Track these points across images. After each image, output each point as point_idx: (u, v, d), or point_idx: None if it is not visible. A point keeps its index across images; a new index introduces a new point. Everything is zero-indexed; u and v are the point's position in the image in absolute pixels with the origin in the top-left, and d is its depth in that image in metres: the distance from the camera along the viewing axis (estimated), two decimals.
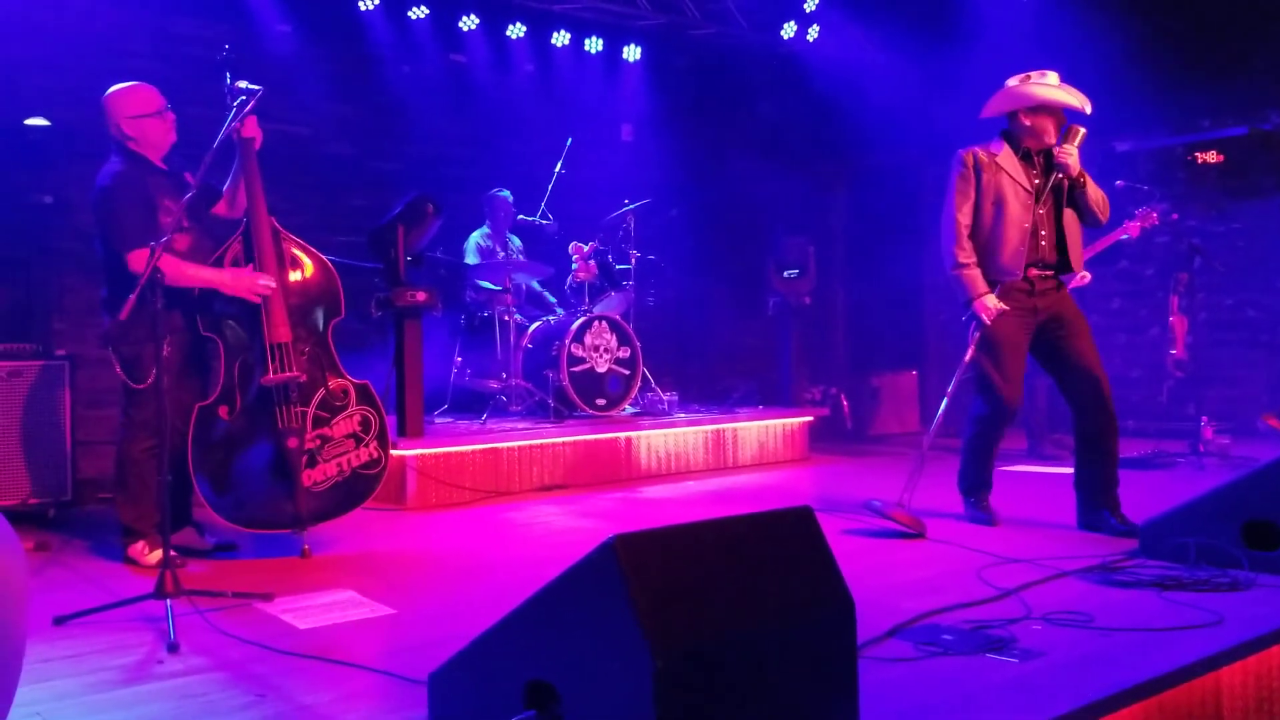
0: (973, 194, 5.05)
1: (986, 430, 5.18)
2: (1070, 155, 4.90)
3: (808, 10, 9.44)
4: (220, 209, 4.94)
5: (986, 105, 5.13)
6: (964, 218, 5.06)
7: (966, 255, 5.04)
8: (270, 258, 4.71)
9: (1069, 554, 4.34)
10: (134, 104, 4.63)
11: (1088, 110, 4.97)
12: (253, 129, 4.76)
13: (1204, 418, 6.98)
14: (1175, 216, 7.13)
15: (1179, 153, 8.82)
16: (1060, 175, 4.95)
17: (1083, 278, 7.29)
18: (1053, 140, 5.00)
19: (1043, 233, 5.01)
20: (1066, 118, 5.00)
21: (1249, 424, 7.88)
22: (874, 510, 4.97)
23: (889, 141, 10.10)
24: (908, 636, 3.24)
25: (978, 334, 5.00)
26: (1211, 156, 8.65)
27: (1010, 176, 5.01)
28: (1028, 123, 5.01)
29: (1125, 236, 7.20)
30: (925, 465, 5.12)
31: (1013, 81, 5.07)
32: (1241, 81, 8.36)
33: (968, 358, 5.04)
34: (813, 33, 9.54)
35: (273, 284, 4.64)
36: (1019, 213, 4.98)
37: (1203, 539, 4.01)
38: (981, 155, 5.07)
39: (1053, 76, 5.00)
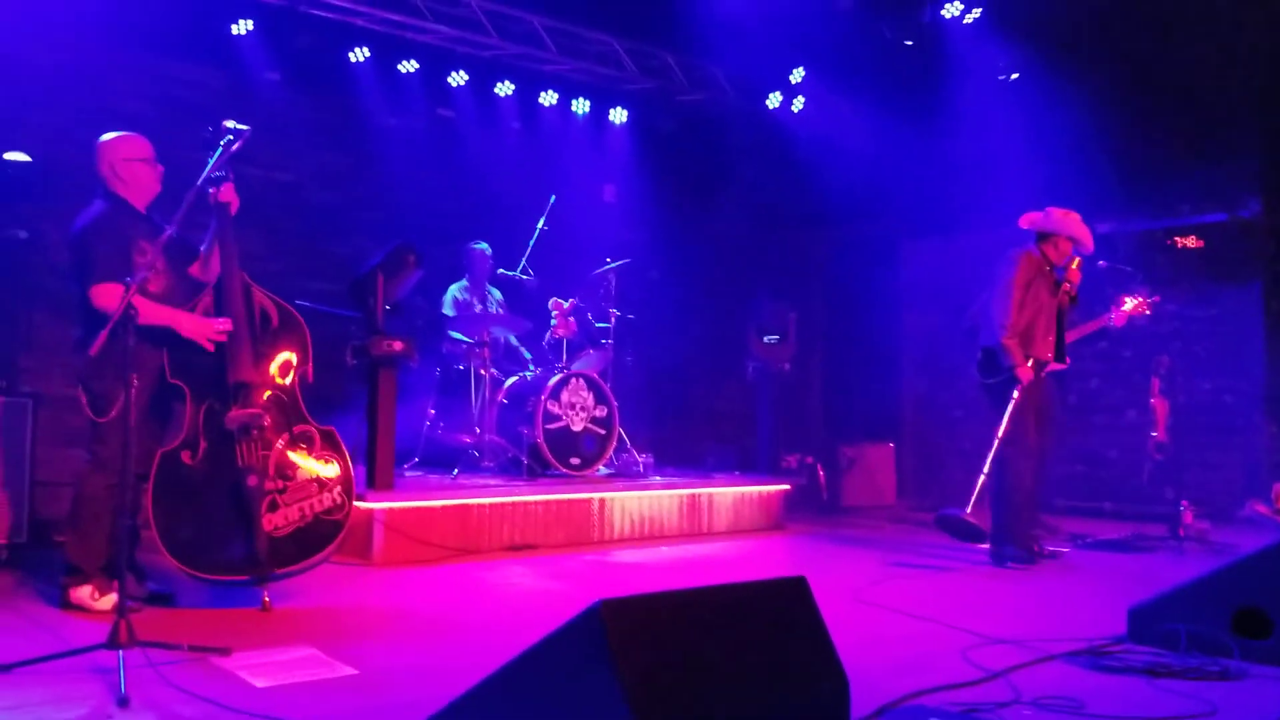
0: (1023, 285, 6.13)
1: (1026, 482, 6.09)
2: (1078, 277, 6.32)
3: (793, 81, 9.52)
4: (195, 270, 4.88)
5: (1031, 219, 6.30)
6: (1015, 300, 6.11)
7: (1015, 329, 6.10)
8: (239, 311, 4.67)
9: (1054, 635, 4.24)
10: (129, 148, 4.73)
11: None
12: (229, 194, 4.72)
13: (1184, 502, 6.92)
14: (1156, 299, 7.10)
15: (1159, 237, 8.85)
16: (1069, 288, 6.27)
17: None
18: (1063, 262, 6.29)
19: (1053, 328, 6.24)
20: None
21: (1227, 509, 7.83)
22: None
23: (870, 210, 10.14)
24: (894, 718, 3.12)
25: (1017, 396, 6.00)
26: (1191, 241, 8.69)
27: (1045, 280, 6.21)
28: (1060, 246, 6.23)
29: (1110, 323, 7.13)
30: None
31: (1057, 211, 6.27)
32: (1222, 169, 8.44)
33: (1007, 418, 5.99)
34: (798, 104, 9.62)
35: (229, 327, 4.60)
36: (1049, 309, 6.20)
37: (1193, 626, 3.92)
38: (1032, 257, 6.22)
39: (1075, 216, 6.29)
